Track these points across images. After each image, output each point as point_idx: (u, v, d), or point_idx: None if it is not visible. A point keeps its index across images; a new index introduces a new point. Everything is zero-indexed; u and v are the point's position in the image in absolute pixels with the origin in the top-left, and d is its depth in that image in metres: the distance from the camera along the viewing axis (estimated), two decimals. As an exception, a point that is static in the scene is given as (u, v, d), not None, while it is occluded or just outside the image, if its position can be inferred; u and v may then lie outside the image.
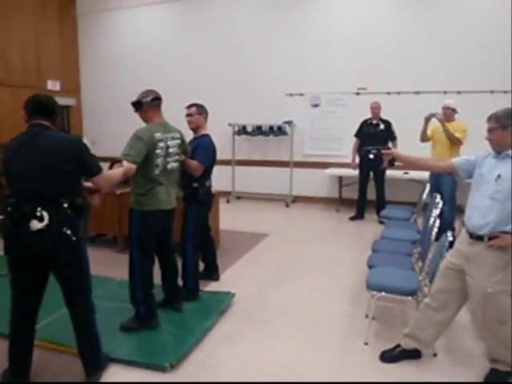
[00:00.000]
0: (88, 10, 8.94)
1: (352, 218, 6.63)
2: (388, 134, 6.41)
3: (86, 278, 2.49)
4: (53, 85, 8.46)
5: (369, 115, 6.57)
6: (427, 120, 5.25)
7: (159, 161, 2.99)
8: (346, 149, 7.18)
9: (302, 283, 4.15)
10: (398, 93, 7.09)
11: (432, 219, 3.55)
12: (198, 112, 3.67)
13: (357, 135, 6.64)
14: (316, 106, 7.59)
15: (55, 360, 2.78)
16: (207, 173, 3.64)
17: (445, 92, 6.72)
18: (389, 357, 2.76)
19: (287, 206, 7.58)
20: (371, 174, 6.57)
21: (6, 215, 2.28)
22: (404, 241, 3.98)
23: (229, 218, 5.82)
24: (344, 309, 3.59)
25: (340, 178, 7.31)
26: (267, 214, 7.07)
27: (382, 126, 6.45)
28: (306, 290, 4.00)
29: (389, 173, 6.47)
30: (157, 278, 3.34)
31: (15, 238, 2.31)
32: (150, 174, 2.98)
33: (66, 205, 2.29)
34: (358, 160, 6.64)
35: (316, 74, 7.51)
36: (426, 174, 5.74)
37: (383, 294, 2.94)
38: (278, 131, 7.59)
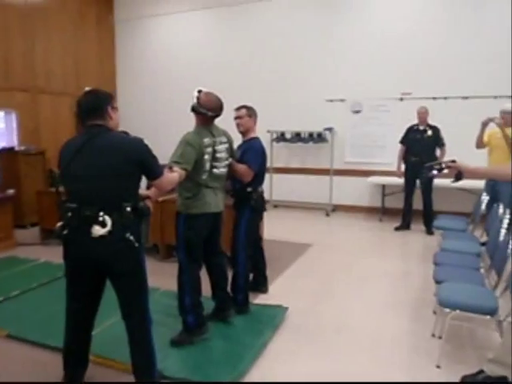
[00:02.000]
0: (126, 17, 8.95)
1: (397, 228, 6.32)
2: (436, 141, 6.10)
3: (145, 287, 2.34)
4: (90, 92, 8.49)
5: (413, 121, 6.27)
6: (485, 125, 4.94)
7: (207, 166, 2.88)
8: (388, 156, 6.89)
9: (354, 297, 3.90)
10: (445, 98, 6.77)
11: (503, 231, 3.27)
12: (247, 114, 3.50)
13: (402, 142, 6.33)
14: (357, 112, 7.33)
15: (101, 375, 2.60)
16: (260, 178, 3.47)
17: (495, 97, 6.37)
18: (471, 383, 2.48)
19: (327, 215, 7.32)
20: (417, 182, 6.26)
21: (66, 221, 2.14)
22: (468, 254, 3.68)
23: (268, 227, 5.60)
24: (404, 326, 3.32)
25: (383, 187, 7.01)
26: (308, 224, 6.83)
27: (429, 133, 6.13)
28: (360, 304, 3.75)
29: (436, 181, 6.14)
30: (206, 289, 3.17)
31: (75, 244, 2.17)
32: (197, 178, 2.87)
33: (129, 209, 2.15)
34: (403, 168, 6.35)
35: (357, 79, 7.26)
36: (477, 183, 5.40)
37: (458, 312, 2.68)
38: (318, 138, 7.36)
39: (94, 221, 2.07)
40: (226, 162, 3.05)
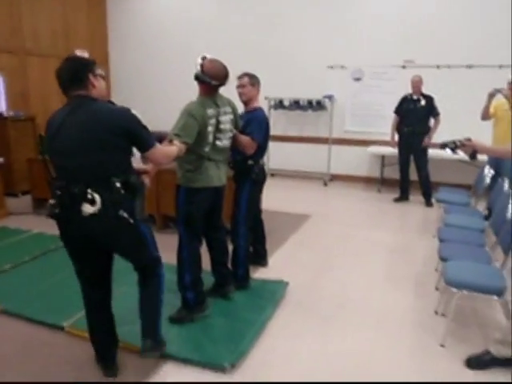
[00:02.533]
0: (117, -25, 8.52)
1: (396, 200, 6.24)
2: (430, 111, 5.94)
3: (154, 257, 2.30)
4: (81, 54, 8.14)
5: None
6: (491, 96, 4.80)
7: (210, 138, 2.73)
8: (389, 126, 6.65)
9: (355, 270, 3.85)
10: (449, 66, 6.57)
11: (511, 207, 3.19)
12: (250, 83, 3.33)
13: (396, 112, 6.18)
14: (358, 79, 7.11)
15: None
16: (262, 150, 3.32)
17: (500, 66, 6.20)
18: (476, 363, 2.45)
19: (325, 184, 7.22)
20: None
21: (57, 199, 2.01)
22: (471, 229, 3.62)
23: (265, 197, 5.51)
24: (407, 302, 3.28)
25: (382, 157, 6.89)
26: (305, 193, 6.73)
27: (422, 102, 5.96)
28: (362, 278, 3.71)
29: (431, 152, 6.02)
30: (206, 264, 3.08)
31: (69, 223, 2.05)
32: (199, 150, 2.72)
33: (118, 184, 2.00)
34: (397, 138, 6.22)
35: (359, 46, 7.01)
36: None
37: (464, 292, 2.62)
38: (317, 106, 7.16)
39: (83, 198, 1.95)
40: (230, 134, 2.89)
